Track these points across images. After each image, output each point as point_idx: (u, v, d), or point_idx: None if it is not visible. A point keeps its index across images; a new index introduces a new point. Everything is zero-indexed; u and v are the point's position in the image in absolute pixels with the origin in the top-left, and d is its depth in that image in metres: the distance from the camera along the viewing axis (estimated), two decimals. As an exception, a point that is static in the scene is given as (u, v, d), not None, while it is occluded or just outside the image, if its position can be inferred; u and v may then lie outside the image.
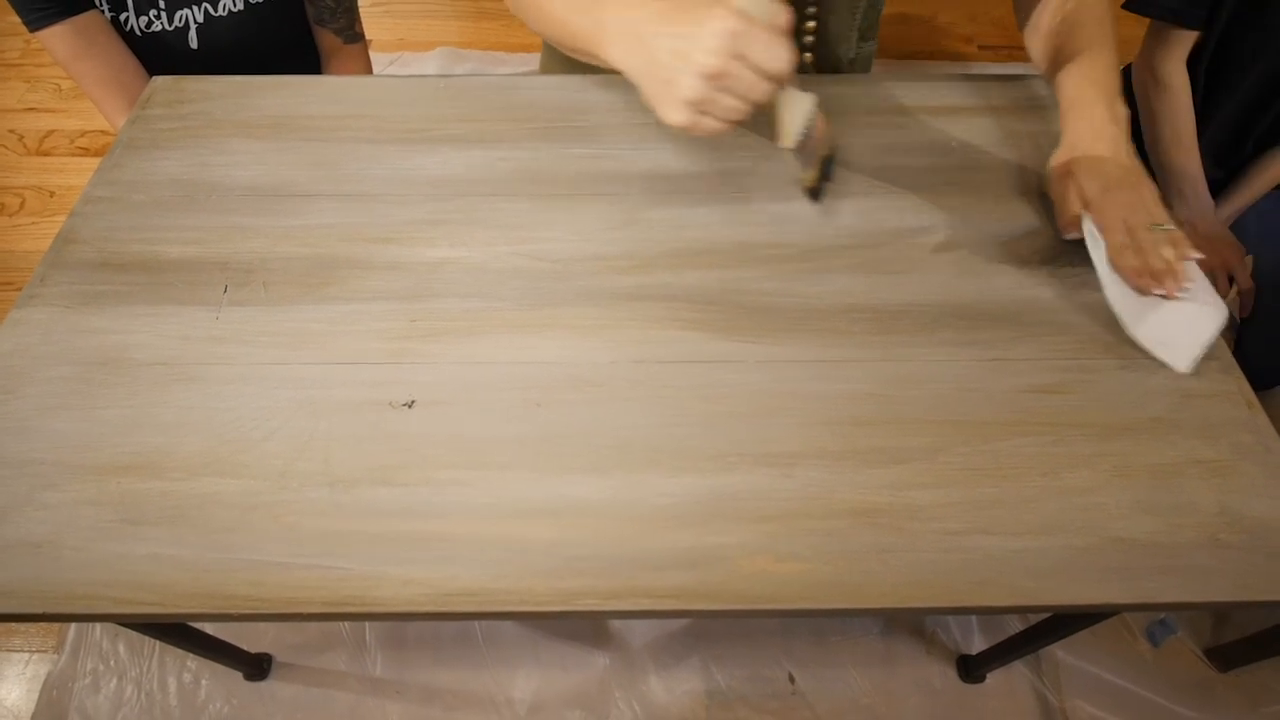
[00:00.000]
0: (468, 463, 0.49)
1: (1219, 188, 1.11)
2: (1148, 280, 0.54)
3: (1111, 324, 0.56)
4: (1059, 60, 0.64)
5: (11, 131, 1.55)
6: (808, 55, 0.75)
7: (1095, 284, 0.58)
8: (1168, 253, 0.54)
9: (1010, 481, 0.48)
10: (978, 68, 1.74)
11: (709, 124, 0.45)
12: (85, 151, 1.52)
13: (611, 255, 0.60)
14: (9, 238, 1.35)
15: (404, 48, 1.74)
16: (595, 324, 0.56)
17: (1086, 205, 0.57)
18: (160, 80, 0.75)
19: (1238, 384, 0.53)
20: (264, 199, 0.64)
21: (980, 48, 1.78)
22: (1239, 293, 1.04)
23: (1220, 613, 1.05)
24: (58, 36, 0.90)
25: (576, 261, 0.60)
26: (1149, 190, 0.57)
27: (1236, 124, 1.04)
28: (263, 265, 0.59)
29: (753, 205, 0.64)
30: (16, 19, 1.79)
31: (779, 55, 0.43)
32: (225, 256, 0.60)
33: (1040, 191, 0.65)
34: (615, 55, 0.49)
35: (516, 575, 0.44)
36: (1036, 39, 0.68)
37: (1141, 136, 1.07)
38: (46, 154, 1.51)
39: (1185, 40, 0.98)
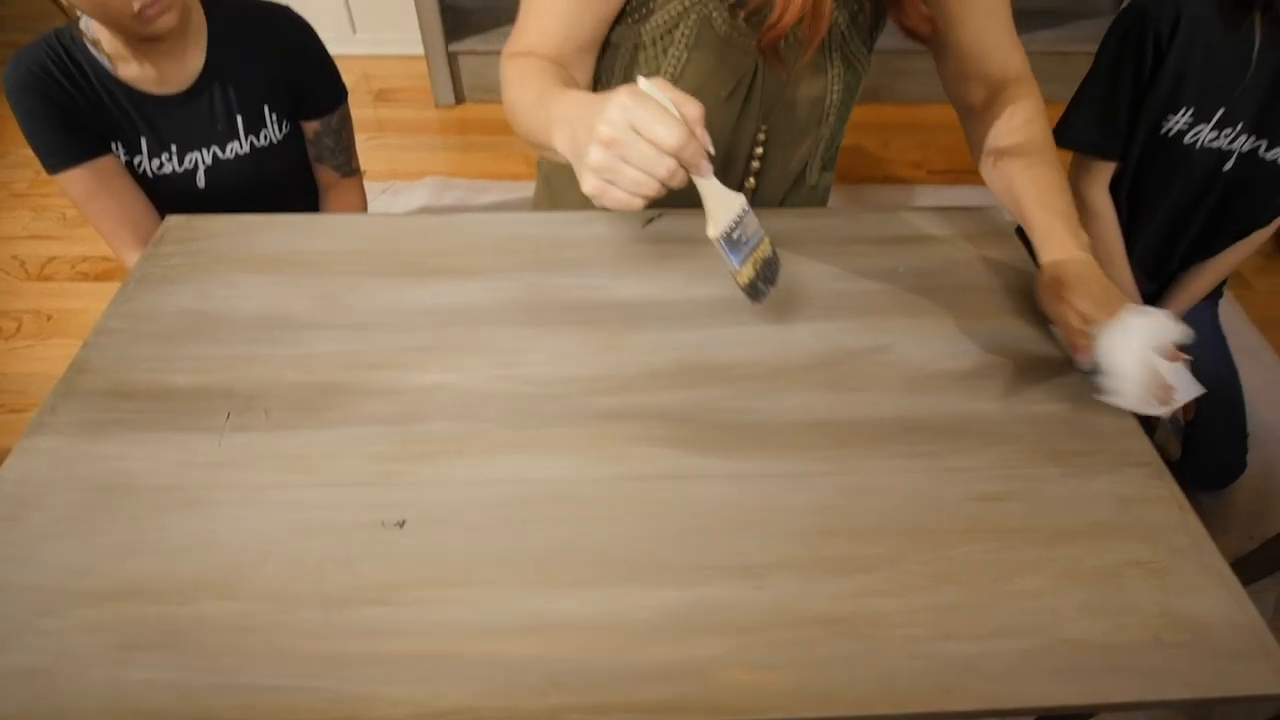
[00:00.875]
0: (456, 580, 0.51)
1: (1154, 299, 1.20)
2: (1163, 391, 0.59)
3: (1052, 434, 0.61)
4: (1017, 192, 0.72)
5: (14, 257, 1.61)
6: (750, 180, 0.83)
7: (1034, 397, 0.64)
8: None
9: (965, 587, 0.51)
10: (928, 191, 1.88)
11: (615, 193, 0.49)
12: (85, 276, 1.58)
13: (592, 377, 0.65)
14: (4, 361, 1.38)
15: (395, 177, 1.85)
16: (577, 443, 0.60)
17: (1086, 322, 0.62)
18: (173, 219, 0.81)
19: (1169, 488, 0.58)
20: (267, 329, 0.69)
21: (929, 172, 1.94)
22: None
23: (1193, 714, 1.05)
24: (75, 179, 0.97)
25: (559, 384, 0.64)
26: (1129, 301, 0.63)
27: (1161, 242, 1.14)
28: (265, 392, 0.63)
29: (721, 329, 0.69)
30: (27, 152, 1.89)
31: (669, 130, 0.47)
32: (229, 384, 0.64)
33: (980, 313, 0.72)
34: (558, 143, 0.56)
35: (503, 693, 0.46)
36: (992, 171, 0.76)
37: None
38: (47, 279, 1.57)
39: (1106, 170, 1.10)
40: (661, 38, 0.71)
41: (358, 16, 2.25)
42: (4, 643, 0.48)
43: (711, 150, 0.51)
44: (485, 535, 0.54)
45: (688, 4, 0.69)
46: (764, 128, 0.78)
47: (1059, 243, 0.67)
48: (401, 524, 0.54)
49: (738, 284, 0.60)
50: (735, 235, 0.57)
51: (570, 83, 0.67)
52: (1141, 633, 0.49)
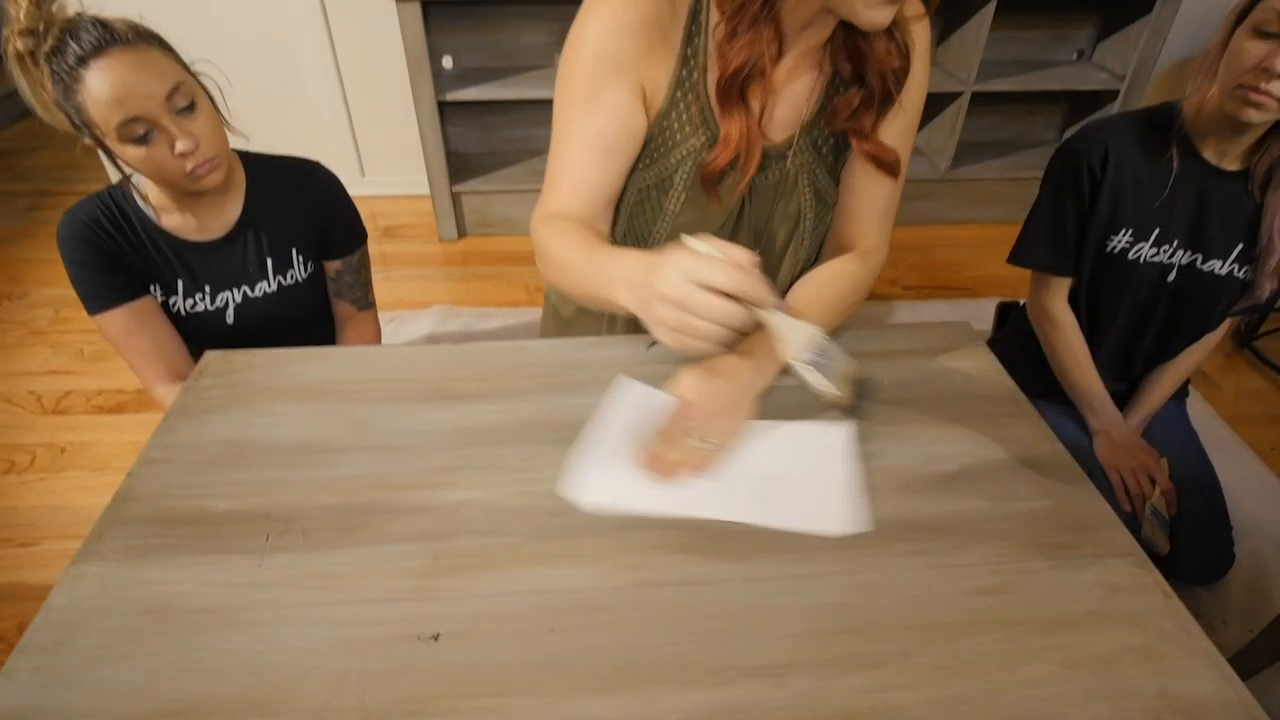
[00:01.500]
0: (490, 690, 0.54)
1: (1124, 399, 1.27)
2: (650, 459, 0.69)
3: (1038, 528, 0.66)
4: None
5: (31, 392, 1.66)
6: None
7: (1017, 494, 0.69)
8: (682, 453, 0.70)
9: (974, 678, 0.54)
10: (903, 306, 2.00)
11: (694, 344, 0.53)
12: (100, 409, 1.62)
13: (609, 490, 0.70)
14: (15, 494, 1.40)
15: (403, 307, 1.95)
16: (597, 553, 0.64)
17: (675, 390, 0.75)
18: (211, 354, 0.88)
19: (1152, 576, 0.62)
20: (301, 454, 0.73)
21: (904, 288, 2.07)
22: (1162, 492, 1.16)
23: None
24: (114, 319, 1.04)
25: (578, 497, 0.69)
26: (733, 417, 0.73)
27: (1122, 347, 1.23)
28: (301, 514, 0.67)
29: (725, 441, 0.75)
30: (50, 292, 1.99)
31: (728, 277, 0.51)
32: (267, 508, 0.68)
33: (959, 419, 0.78)
34: (624, 301, 0.60)
35: (541, 798, 0.48)
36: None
37: (1049, 364, 1.25)
38: (62, 412, 1.61)
39: (1063, 284, 1.20)
40: (663, 182, 0.82)
41: (366, 162, 2.44)
42: (55, 767, 0.49)
43: (770, 287, 0.56)
44: (515, 645, 0.57)
45: (685, 152, 0.79)
46: (759, 253, 0.88)
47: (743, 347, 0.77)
48: (436, 637, 0.57)
49: (828, 402, 0.65)
50: (813, 358, 0.62)
51: (602, 239, 0.75)
52: (1142, 715, 0.52)
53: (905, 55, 0.75)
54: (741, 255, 0.54)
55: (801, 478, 0.71)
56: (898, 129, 0.82)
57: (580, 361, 0.86)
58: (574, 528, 0.66)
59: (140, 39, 0.89)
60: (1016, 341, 1.33)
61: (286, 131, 2.30)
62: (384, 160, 2.44)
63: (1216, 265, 1.10)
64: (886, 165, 0.81)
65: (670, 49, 0.74)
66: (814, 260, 0.94)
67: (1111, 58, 2.25)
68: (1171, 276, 1.12)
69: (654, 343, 0.89)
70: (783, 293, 0.97)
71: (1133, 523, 1.15)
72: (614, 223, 0.88)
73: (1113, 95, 2.21)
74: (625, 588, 0.61)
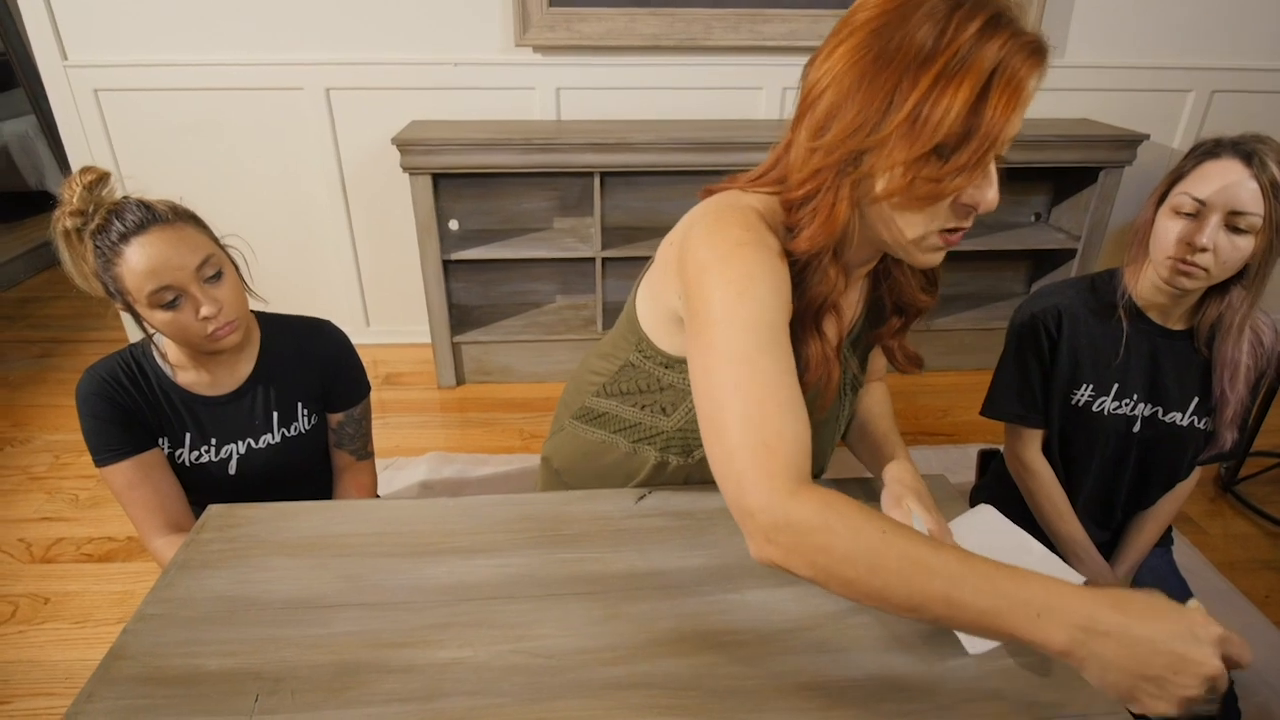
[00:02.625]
0: None
1: (1109, 548, 1.29)
2: None
3: (1025, 687, 0.67)
4: (860, 433, 1.00)
5: (21, 540, 1.65)
6: None
7: (1000, 650, 0.71)
8: None
9: None
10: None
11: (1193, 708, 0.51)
12: (89, 558, 1.61)
13: (596, 648, 0.71)
14: (-8, 648, 1.36)
15: (399, 453, 1.99)
16: (588, 715, 0.64)
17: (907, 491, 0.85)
18: (215, 508, 0.90)
19: (1135, 738, 0.63)
20: (296, 610, 0.75)
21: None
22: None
23: None
24: (120, 471, 1.07)
25: (566, 655, 0.70)
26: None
27: (1100, 496, 1.26)
28: (292, 674, 0.68)
29: (711, 597, 0.77)
30: (52, 438, 2.02)
31: (1224, 682, 0.50)
32: (259, 667, 0.68)
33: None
34: (1065, 647, 0.51)
35: None
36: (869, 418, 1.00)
37: (1031, 513, 1.28)
38: (50, 561, 1.60)
39: (1035, 435, 1.25)
40: None
41: (372, 312, 2.56)
42: None
43: None
44: (500, 814, 0.56)
45: None
46: None
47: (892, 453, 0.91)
48: (419, 806, 0.57)
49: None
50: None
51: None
52: None
53: (936, 288, 0.88)
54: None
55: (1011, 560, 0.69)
56: None
57: (570, 515, 0.89)
58: (562, 688, 0.67)
59: (179, 218, 1.00)
60: (999, 490, 1.36)
61: (298, 284, 2.44)
62: (388, 311, 2.57)
63: (1177, 417, 1.16)
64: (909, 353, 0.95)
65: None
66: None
67: (1066, 220, 2.45)
68: (1136, 427, 1.18)
69: (642, 496, 0.92)
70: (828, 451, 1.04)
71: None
72: (666, 421, 0.91)
73: (1071, 253, 2.39)
74: (611, 752, 0.61)
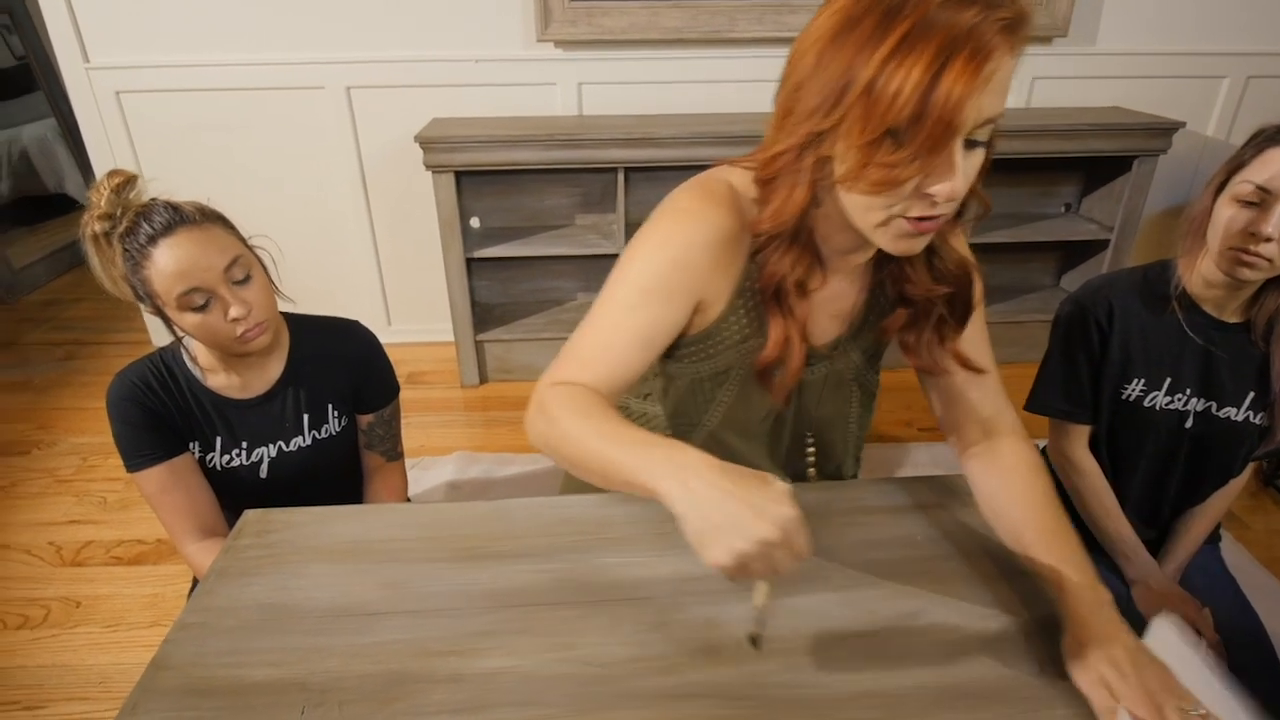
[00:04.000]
0: None
1: (1155, 546, 1.25)
2: None
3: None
4: (1027, 538, 0.75)
5: (51, 543, 1.66)
6: (811, 470, 0.94)
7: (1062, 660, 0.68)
8: None
9: None
10: (920, 448, 2.02)
11: (749, 571, 0.55)
12: (119, 561, 1.61)
13: (647, 657, 0.69)
14: (26, 651, 1.36)
15: (425, 453, 1.98)
16: (639, 726, 0.62)
17: (1116, 695, 0.61)
18: (250, 514, 0.89)
19: (1217, 752, 0.60)
20: (339, 619, 0.73)
21: (919, 430, 2.09)
22: (1208, 646, 1.12)
23: None
24: (152, 476, 1.06)
25: (616, 664, 0.68)
26: (1163, 669, 0.63)
27: (1149, 492, 1.23)
28: (337, 684, 0.66)
29: (762, 602, 0.74)
30: (78, 440, 2.03)
31: (807, 548, 0.55)
32: (303, 677, 0.67)
33: (998, 575, 0.78)
34: (666, 489, 0.57)
35: None
36: (996, 518, 0.81)
37: (1076, 511, 1.25)
38: (80, 564, 1.60)
39: (1082, 431, 1.21)
40: (718, 375, 0.85)
41: (393, 312, 2.56)
42: None
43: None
44: (558, 832, 0.54)
45: (743, 350, 0.82)
46: (810, 435, 0.92)
47: (1077, 596, 0.68)
48: (475, 822, 0.55)
49: (751, 638, 0.65)
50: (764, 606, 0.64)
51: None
52: None
53: (955, 280, 0.77)
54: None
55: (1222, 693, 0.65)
56: (974, 321, 0.83)
57: (609, 518, 0.87)
58: (613, 699, 0.65)
59: (206, 219, 0.98)
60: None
61: (320, 283, 2.44)
62: (410, 310, 2.56)
63: (1232, 412, 1.12)
64: (971, 367, 0.84)
65: (737, 260, 0.77)
66: (865, 432, 0.98)
67: (1099, 210, 2.40)
68: (1189, 423, 1.14)
69: None
70: (849, 473, 1.00)
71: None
72: (657, 400, 0.92)
73: (1103, 244, 2.34)
74: (669, 766, 0.59)
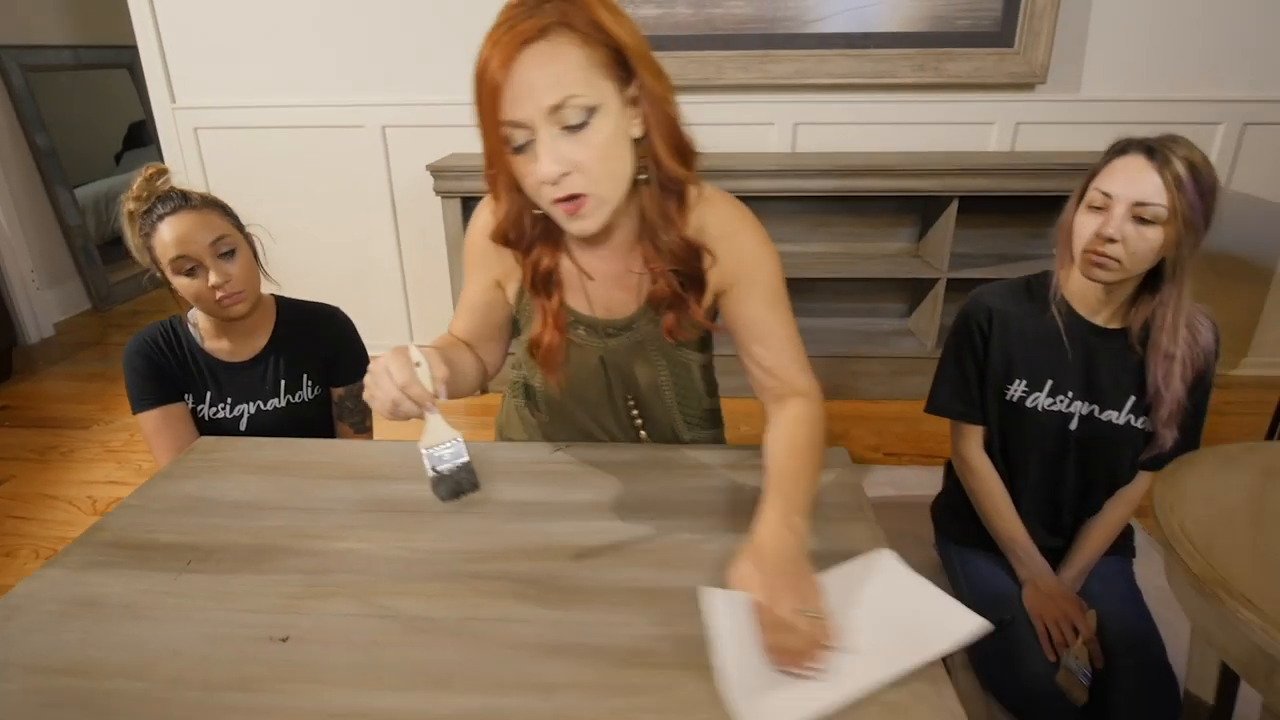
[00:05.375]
0: (304, 677, 0.65)
1: (1058, 554, 1.28)
2: (782, 657, 0.66)
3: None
4: (769, 478, 0.82)
5: (89, 497, 1.92)
6: (642, 433, 1.06)
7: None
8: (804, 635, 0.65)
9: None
10: (881, 470, 2.06)
11: (375, 405, 0.72)
12: (139, 513, 1.85)
13: (471, 550, 0.83)
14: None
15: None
16: (443, 593, 0.76)
17: (744, 585, 0.68)
18: (205, 439, 1.09)
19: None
20: (241, 509, 0.91)
21: (885, 454, 2.14)
22: (1084, 643, 1.15)
23: None
24: (150, 418, 1.28)
25: (444, 554, 0.82)
26: (807, 582, 0.69)
27: (1045, 496, 1.27)
28: (222, 549, 0.83)
29: (586, 523, 0.87)
30: (129, 420, 2.29)
31: (398, 371, 0.70)
32: (199, 543, 0.84)
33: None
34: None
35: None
36: (766, 461, 0.86)
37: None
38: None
39: (976, 431, 1.28)
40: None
41: (415, 323, 2.80)
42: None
43: (438, 398, 0.73)
44: (343, 650, 0.69)
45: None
46: (631, 399, 1.05)
47: (767, 517, 0.75)
48: (285, 639, 0.70)
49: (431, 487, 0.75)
50: (437, 453, 0.75)
51: (466, 351, 0.96)
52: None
53: (681, 259, 0.86)
54: (440, 370, 0.74)
55: (902, 609, 0.73)
56: (758, 298, 0.91)
57: (497, 459, 1.02)
58: (431, 575, 0.79)
59: (206, 205, 1.21)
60: (952, 495, 1.39)
61: (353, 295, 2.67)
62: (429, 323, 2.80)
63: (1114, 415, 1.18)
64: (717, 330, 0.97)
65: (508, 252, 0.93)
66: (693, 399, 1.09)
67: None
68: (1073, 425, 1.20)
69: (558, 448, 1.04)
70: (706, 437, 1.12)
71: (1056, 671, 1.14)
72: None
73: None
74: (453, 619, 0.73)
